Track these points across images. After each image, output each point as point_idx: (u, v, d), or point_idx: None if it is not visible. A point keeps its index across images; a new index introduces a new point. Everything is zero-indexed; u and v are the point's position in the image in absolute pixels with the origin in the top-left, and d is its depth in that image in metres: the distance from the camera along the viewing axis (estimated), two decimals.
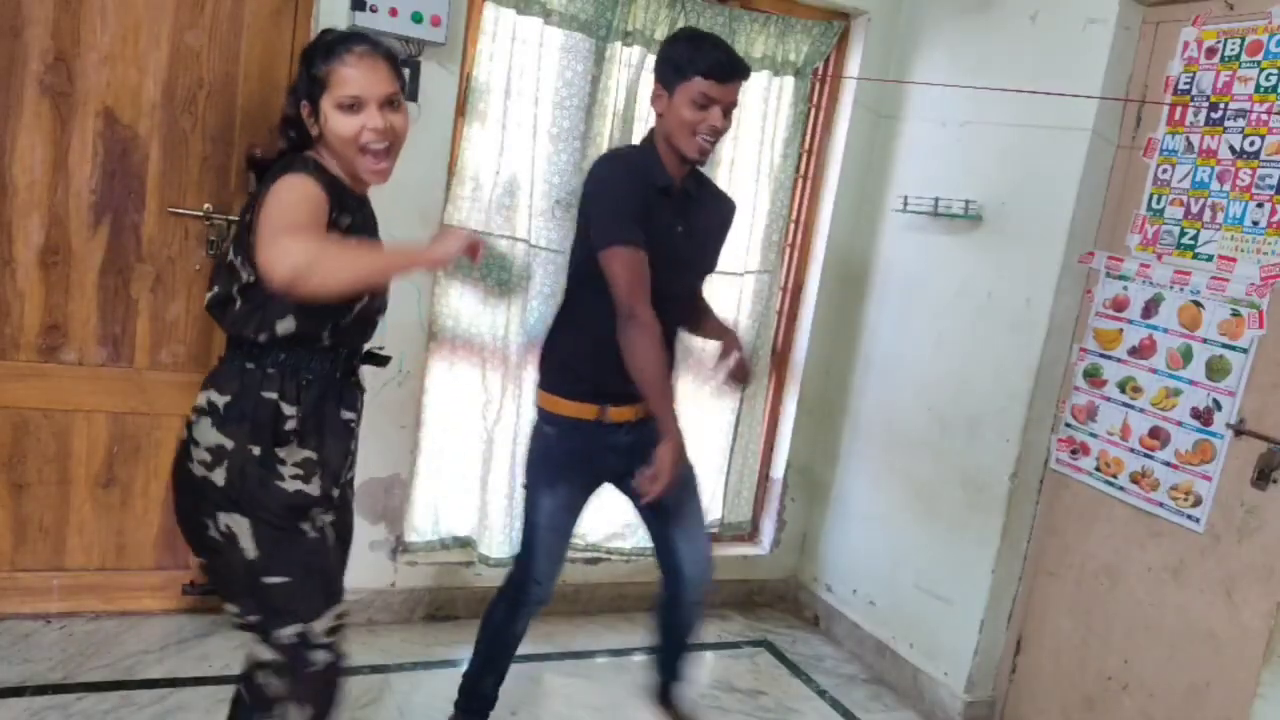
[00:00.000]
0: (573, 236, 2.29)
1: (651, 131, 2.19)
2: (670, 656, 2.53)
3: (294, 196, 1.54)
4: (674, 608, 2.44)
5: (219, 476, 1.63)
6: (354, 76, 1.63)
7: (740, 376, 2.38)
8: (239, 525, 1.64)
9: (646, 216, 2.07)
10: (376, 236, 1.81)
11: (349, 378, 1.76)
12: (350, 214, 1.66)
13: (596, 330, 2.15)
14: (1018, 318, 2.79)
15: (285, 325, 1.64)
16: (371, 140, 1.64)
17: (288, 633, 1.64)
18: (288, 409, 1.65)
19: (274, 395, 1.64)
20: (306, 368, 1.66)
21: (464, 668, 2.46)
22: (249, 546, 1.64)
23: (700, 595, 2.42)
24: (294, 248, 1.40)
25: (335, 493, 1.75)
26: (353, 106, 1.62)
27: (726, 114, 2.09)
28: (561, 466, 2.27)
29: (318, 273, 1.39)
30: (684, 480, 2.28)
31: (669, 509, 2.31)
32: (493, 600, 2.41)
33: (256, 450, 1.63)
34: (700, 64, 2.04)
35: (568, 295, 2.32)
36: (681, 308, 2.30)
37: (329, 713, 1.71)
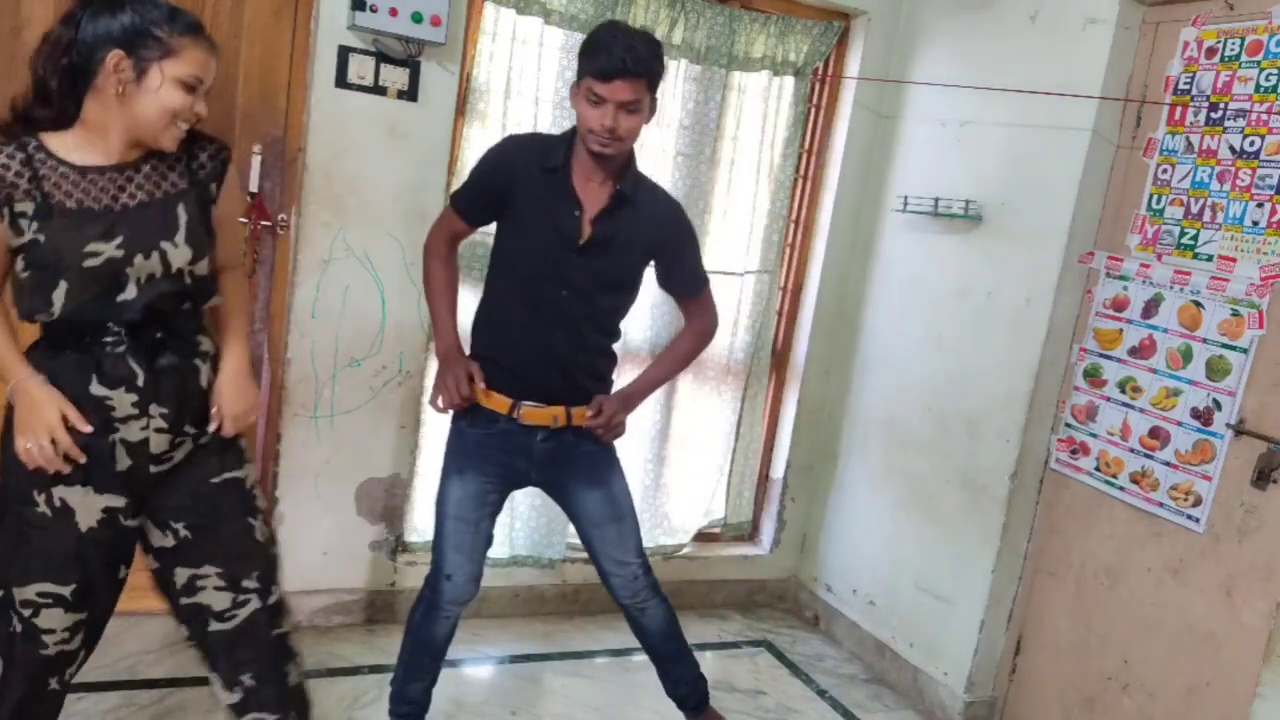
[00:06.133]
0: None
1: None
2: (659, 669, 2.45)
3: None
4: (627, 618, 2.39)
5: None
6: (205, 60, 1.66)
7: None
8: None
9: (508, 191, 2.11)
10: (143, 196, 1.69)
11: (114, 350, 1.68)
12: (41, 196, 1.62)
13: (502, 315, 2.18)
14: (1018, 318, 2.79)
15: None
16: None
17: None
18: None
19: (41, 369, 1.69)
20: (63, 342, 1.68)
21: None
22: None
23: (637, 604, 2.33)
24: None
25: (98, 472, 1.69)
26: (193, 88, 1.65)
27: (628, 112, 1.96)
28: (471, 456, 2.20)
29: None
30: (607, 512, 2.26)
31: (589, 535, 2.28)
32: (414, 603, 2.35)
33: None
34: (588, 64, 1.97)
35: (484, 283, 2.29)
36: (577, 307, 2.13)
37: (29, 688, 1.73)
